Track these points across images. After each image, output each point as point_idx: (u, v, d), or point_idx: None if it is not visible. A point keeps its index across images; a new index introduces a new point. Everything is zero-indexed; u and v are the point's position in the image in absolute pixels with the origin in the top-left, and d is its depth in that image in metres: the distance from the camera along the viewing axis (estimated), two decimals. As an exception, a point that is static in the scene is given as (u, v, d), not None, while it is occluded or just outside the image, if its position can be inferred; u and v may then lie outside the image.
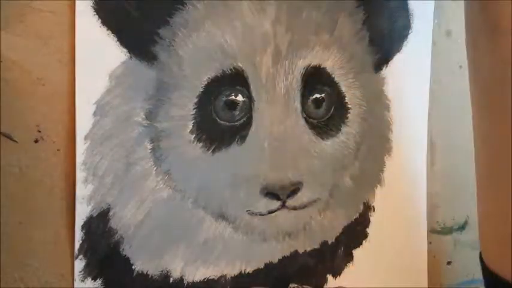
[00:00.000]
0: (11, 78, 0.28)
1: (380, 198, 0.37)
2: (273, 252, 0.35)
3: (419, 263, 0.38)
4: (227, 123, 0.32)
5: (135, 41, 0.29)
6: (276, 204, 0.33)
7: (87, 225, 0.30)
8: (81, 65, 0.28)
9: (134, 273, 0.31)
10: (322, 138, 0.34)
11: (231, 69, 0.31)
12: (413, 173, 0.38)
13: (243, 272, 0.34)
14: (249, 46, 0.32)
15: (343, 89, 0.35)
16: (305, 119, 0.34)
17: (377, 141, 0.37)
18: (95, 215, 0.30)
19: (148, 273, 0.31)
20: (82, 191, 0.29)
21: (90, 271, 0.30)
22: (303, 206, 0.34)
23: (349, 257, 0.37)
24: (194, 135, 0.31)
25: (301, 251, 0.35)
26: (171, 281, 0.32)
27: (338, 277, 0.37)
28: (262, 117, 0.32)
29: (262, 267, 0.34)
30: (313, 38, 0.33)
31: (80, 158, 0.29)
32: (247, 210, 0.33)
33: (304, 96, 0.33)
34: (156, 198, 0.31)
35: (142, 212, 0.31)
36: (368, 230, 0.38)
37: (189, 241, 0.32)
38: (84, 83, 0.29)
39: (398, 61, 0.37)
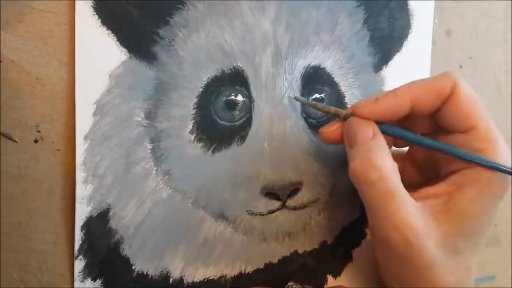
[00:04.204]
0: (10, 78, 0.28)
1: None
2: (273, 252, 0.35)
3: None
4: (227, 123, 0.32)
5: (135, 41, 0.29)
6: (276, 204, 0.33)
7: (87, 225, 0.30)
8: (80, 64, 0.28)
9: (134, 274, 0.31)
10: (322, 138, 0.34)
11: (230, 69, 0.31)
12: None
13: (243, 272, 0.34)
14: (248, 46, 0.32)
15: (343, 89, 0.35)
16: (305, 119, 0.34)
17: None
18: (94, 215, 0.30)
19: (148, 273, 0.31)
20: (82, 191, 0.29)
21: (90, 271, 0.30)
22: (303, 206, 0.34)
23: (348, 257, 0.37)
24: (194, 135, 0.31)
25: (301, 251, 0.35)
26: (170, 281, 0.32)
27: (338, 277, 0.37)
28: (262, 117, 0.32)
29: (262, 267, 0.34)
30: (313, 38, 0.33)
31: (79, 158, 0.29)
32: (247, 210, 0.33)
33: (304, 96, 0.33)
34: (156, 199, 0.31)
35: (143, 212, 0.31)
36: (367, 230, 0.38)
37: (189, 241, 0.32)
38: (83, 82, 0.29)
39: (398, 61, 0.37)
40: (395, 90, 0.30)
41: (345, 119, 0.31)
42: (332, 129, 0.31)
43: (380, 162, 0.28)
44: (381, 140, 0.29)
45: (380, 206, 0.27)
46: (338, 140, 0.31)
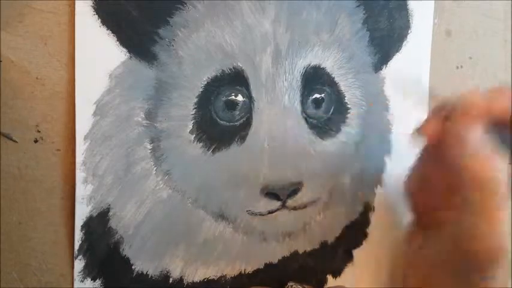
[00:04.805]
0: (10, 78, 0.28)
1: (380, 198, 0.37)
2: (273, 252, 0.35)
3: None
4: (227, 123, 0.32)
5: (135, 41, 0.29)
6: (276, 204, 0.33)
7: (87, 225, 0.30)
8: (80, 64, 0.28)
9: (134, 274, 0.31)
10: (322, 138, 0.34)
11: (230, 69, 0.31)
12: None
13: (242, 272, 0.34)
14: (248, 46, 0.32)
15: (343, 88, 0.35)
16: (305, 119, 0.34)
17: (377, 141, 0.37)
18: (94, 215, 0.30)
19: (148, 273, 0.31)
20: (82, 191, 0.29)
21: (90, 271, 0.30)
22: (303, 206, 0.34)
23: (349, 257, 0.37)
24: (194, 135, 0.31)
25: (301, 251, 0.35)
26: (170, 281, 0.32)
27: (338, 277, 0.37)
28: (262, 117, 0.32)
29: (262, 267, 0.34)
30: (313, 38, 0.33)
31: (79, 158, 0.29)
32: (247, 210, 0.33)
33: (304, 96, 0.33)
34: (156, 198, 0.31)
35: (142, 212, 0.31)
36: (368, 230, 0.38)
37: (189, 241, 0.32)
38: (83, 83, 0.29)
39: (398, 61, 0.37)
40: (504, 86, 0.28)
41: (446, 118, 0.28)
42: (432, 126, 0.29)
43: (496, 162, 0.26)
44: (493, 139, 0.27)
45: (495, 208, 0.26)
46: (435, 138, 0.28)
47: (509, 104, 0.27)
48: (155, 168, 0.31)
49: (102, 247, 0.30)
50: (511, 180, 0.27)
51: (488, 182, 0.26)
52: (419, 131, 0.29)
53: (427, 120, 0.29)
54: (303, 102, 0.33)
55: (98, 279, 0.30)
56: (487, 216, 0.26)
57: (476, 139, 0.27)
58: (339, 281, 0.37)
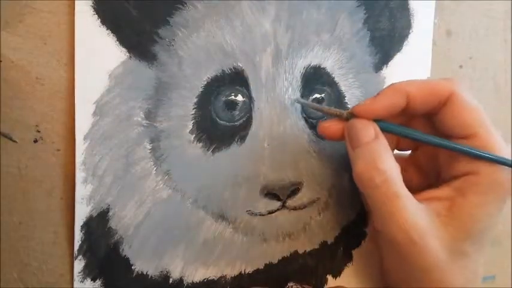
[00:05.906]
0: (10, 78, 0.28)
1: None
2: (273, 252, 0.35)
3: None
4: (227, 123, 0.32)
5: (135, 41, 0.29)
6: (276, 204, 0.33)
7: (87, 225, 0.30)
8: (80, 64, 0.28)
9: (134, 274, 0.31)
10: (322, 138, 0.34)
11: (230, 69, 0.31)
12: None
13: (243, 272, 0.34)
14: (249, 46, 0.32)
15: (343, 88, 0.35)
16: (305, 119, 0.34)
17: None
18: (94, 215, 0.30)
19: (148, 273, 0.31)
20: (81, 191, 0.29)
21: (90, 271, 0.30)
22: (303, 206, 0.34)
23: (348, 257, 0.37)
24: (194, 135, 0.31)
25: (301, 251, 0.35)
26: (170, 281, 0.32)
27: (338, 277, 0.37)
28: (262, 117, 0.32)
29: (262, 267, 0.34)
30: (313, 38, 0.33)
31: (79, 158, 0.29)
32: (247, 211, 0.33)
33: (304, 96, 0.33)
34: (156, 199, 0.31)
35: (142, 212, 0.31)
36: (367, 229, 0.38)
37: (189, 241, 0.32)
38: (83, 82, 0.29)
39: (398, 61, 0.37)
40: (392, 84, 0.30)
41: (346, 119, 0.30)
42: (332, 124, 0.31)
43: (384, 166, 0.28)
44: (383, 141, 0.29)
45: (385, 207, 0.28)
46: (335, 136, 0.31)
47: (392, 97, 0.29)
48: (155, 168, 0.31)
49: (102, 247, 0.30)
50: None
51: (378, 185, 0.28)
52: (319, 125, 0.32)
53: (331, 119, 0.32)
54: (303, 102, 0.34)
55: (97, 280, 0.30)
56: (382, 214, 0.28)
57: (366, 141, 0.29)
58: (339, 281, 0.37)
